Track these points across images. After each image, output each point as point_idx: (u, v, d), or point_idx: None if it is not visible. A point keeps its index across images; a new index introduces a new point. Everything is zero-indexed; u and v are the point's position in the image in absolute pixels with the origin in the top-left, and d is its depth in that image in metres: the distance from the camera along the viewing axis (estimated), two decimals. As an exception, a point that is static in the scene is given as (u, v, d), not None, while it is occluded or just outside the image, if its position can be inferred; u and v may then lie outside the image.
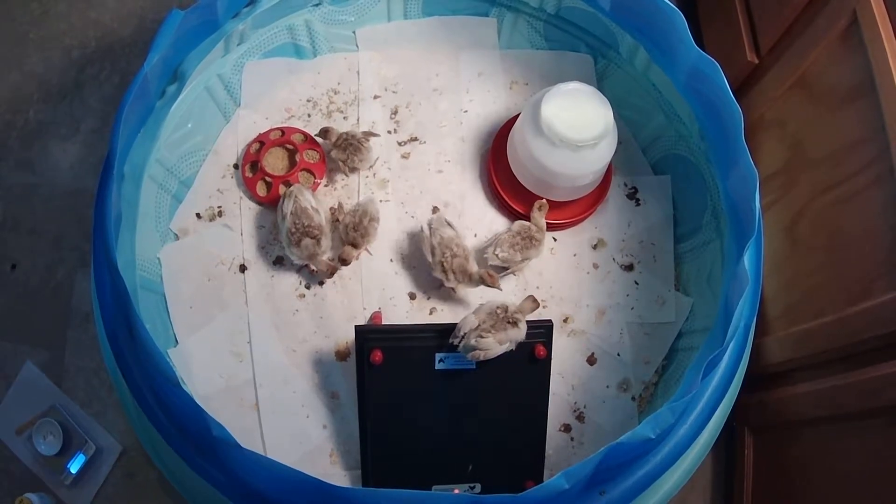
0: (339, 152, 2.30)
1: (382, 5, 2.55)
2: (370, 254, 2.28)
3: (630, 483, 1.79)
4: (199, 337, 2.22)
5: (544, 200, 2.26)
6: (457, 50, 2.60)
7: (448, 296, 2.28)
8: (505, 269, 2.24)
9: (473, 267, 2.18)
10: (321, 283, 2.28)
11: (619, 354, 2.27)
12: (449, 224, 2.20)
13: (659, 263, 2.36)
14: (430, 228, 2.18)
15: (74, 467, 2.34)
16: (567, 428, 2.19)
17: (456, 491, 2.02)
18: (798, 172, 2.06)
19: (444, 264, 2.15)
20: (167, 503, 2.38)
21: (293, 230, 2.15)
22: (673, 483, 1.92)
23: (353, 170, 2.34)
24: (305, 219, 2.15)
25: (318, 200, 2.26)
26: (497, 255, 2.20)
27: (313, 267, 2.21)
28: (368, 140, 2.32)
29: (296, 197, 2.18)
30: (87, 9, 2.92)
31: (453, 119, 2.51)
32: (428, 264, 2.20)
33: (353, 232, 2.18)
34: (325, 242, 2.18)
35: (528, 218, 2.28)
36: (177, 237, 2.32)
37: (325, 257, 2.19)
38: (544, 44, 2.60)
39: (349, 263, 2.20)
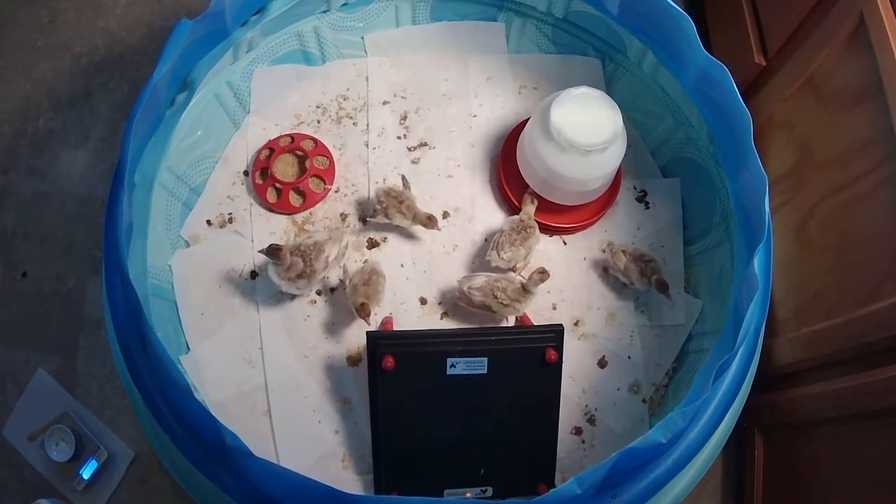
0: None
1: (391, 11, 2.56)
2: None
3: (642, 486, 1.79)
4: (210, 343, 2.23)
5: (530, 194, 2.29)
6: (465, 55, 2.61)
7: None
8: (512, 268, 2.25)
9: (517, 280, 2.19)
10: (332, 290, 2.29)
11: (629, 357, 2.27)
12: (472, 278, 2.21)
13: (668, 266, 2.36)
14: (467, 296, 2.19)
15: (87, 473, 2.34)
16: (578, 431, 2.20)
17: (468, 495, 2.03)
18: (807, 174, 2.06)
19: (504, 301, 2.16)
20: (179, 510, 2.40)
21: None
22: (684, 485, 1.92)
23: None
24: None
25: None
26: (502, 258, 2.20)
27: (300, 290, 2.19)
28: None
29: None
30: (95, 17, 2.93)
31: (462, 124, 2.51)
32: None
33: (363, 287, 2.14)
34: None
35: (536, 223, 2.29)
36: (187, 244, 2.33)
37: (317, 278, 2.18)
38: (553, 48, 2.61)
39: (368, 313, 2.13)
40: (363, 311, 2.10)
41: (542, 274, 2.11)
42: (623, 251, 2.23)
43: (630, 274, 2.21)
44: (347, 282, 2.18)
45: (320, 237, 2.18)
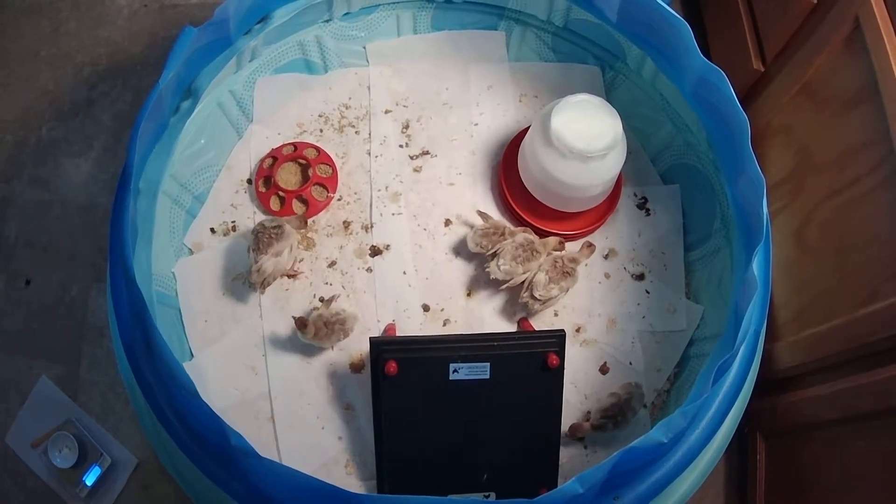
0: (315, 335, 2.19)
1: (392, 20, 2.58)
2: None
3: (644, 488, 1.79)
4: (214, 350, 2.24)
5: (595, 246, 2.30)
6: (466, 63, 2.62)
7: (461, 307, 2.30)
8: (506, 281, 2.24)
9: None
10: (335, 297, 2.29)
11: (631, 363, 2.28)
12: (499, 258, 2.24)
13: (669, 272, 2.38)
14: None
15: (90, 480, 2.35)
16: (581, 436, 2.21)
17: (472, 499, 2.04)
18: (805, 178, 2.07)
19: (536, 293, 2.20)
20: (183, 515, 2.40)
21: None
22: (686, 488, 1.93)
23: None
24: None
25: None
26: (500, 268, 2.21)
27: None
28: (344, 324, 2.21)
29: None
30: (97, 26, 2.95)
31: (464, 132, 2.53)
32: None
33: (320, 322, 2.14)
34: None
35: (537, 230, 2.32)
36: (191, 252, 2.34)
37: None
38: (553, 56, 2.62)
39: (301, 328, 2.14)
40: (300, 324, 2.13)
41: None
42: (550, 283, 2.21)
43: (567, 286, 2.22)
44: (318, 308, 2.20)
45: (344, 314, 2.19)
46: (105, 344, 2.51)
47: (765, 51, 2.27)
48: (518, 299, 2.24)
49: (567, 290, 2.23)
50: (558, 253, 2.27)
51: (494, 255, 2.24)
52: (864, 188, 1.81)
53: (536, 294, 2.18)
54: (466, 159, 2.50)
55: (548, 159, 2.19)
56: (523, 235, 2.26)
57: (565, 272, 2.20)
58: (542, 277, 2.19)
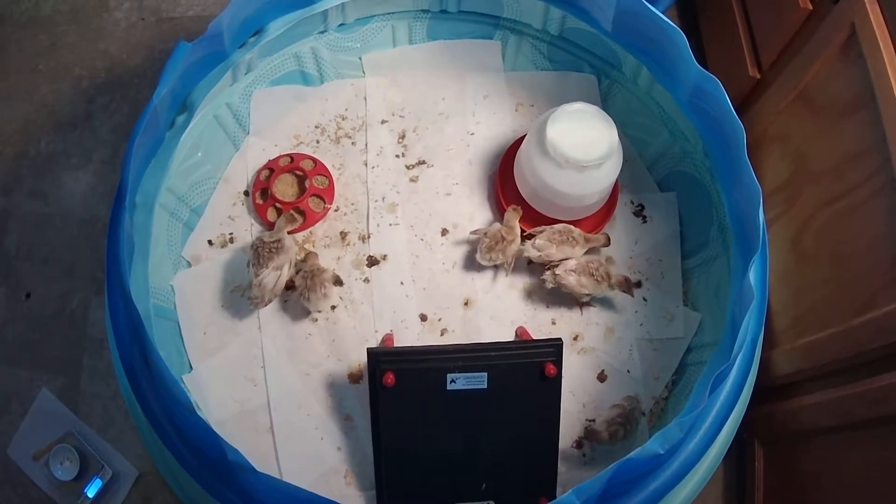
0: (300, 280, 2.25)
1: (388, 31, 2.59)
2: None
3: (641, 498, 1.80)
4: (213, 363, 2.25)
5: (518, 206, 2.31)
6: (462, 73, 2.63)
7: (459, 317, 2.30)
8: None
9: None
10: (333, 308, 2.30)
11: (628, 371, 2.28)
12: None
13: (667, 280, 2.38)
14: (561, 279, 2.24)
15: (91, 492, 2.35)
16: (579, 445, 2.21)
17: (471, 509, 2.04)
18: (802, 186, 2.07)
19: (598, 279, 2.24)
20: (184, 527, 2.40)
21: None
22: (684, 497, 1.93)
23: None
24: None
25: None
26: (533, 245, 2.25)
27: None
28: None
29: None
30: (96, 40, 2.96)
31: (460, 142, 2.53)
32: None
33: (307, 269, 2.22)
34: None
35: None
36: (189, 264, 2.35)
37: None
38: (548, 65, 2.63)
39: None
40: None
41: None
42: (572, 270, 2.24)
43: (586, 286, 2.24)
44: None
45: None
46: (105, 356, 2.51)
47: (761, 58, 2.28)
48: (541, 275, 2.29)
49: (512, 257, 2.31)
50: (497, 229, 2.29)
51: (531, 236, 2.29)
52: (860, 196, 1.80)
53: (557, 270, 2.22)
54: (463, 169, 2.50)
55: (544, 168, 2.19)
56: (563, 225, 2.29)
57: (591, 275, 2.22)
58: (570, 264, 2.23)
